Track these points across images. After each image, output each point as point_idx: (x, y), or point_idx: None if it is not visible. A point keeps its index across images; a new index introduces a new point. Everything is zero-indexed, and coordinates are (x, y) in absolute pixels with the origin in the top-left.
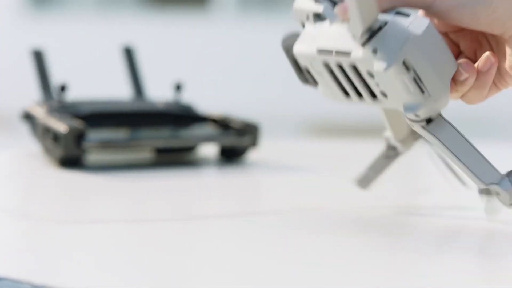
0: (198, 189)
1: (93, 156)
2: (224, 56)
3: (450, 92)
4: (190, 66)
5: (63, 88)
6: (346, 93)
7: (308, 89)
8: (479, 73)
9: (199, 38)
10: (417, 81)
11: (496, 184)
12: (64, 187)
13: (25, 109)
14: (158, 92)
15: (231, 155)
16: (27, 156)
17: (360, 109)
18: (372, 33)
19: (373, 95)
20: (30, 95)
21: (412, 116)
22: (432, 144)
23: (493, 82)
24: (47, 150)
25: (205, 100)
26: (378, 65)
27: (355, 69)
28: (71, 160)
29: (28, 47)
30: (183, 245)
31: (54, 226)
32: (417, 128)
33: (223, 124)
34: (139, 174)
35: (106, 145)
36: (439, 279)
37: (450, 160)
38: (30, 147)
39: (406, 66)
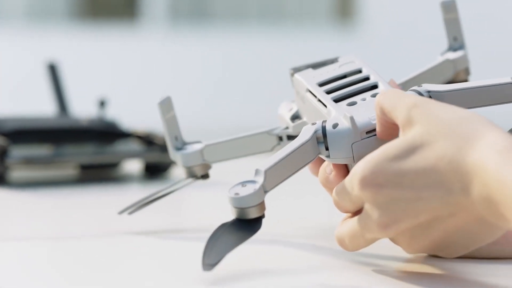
0: (123, 205)
1: (16, 173)
2: (154, 70)
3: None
4: (119, 81)
5: None
6: None
7: (237, 102)
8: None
9: (128, 52)
10: None
11: None
12: None
13: None
14: (88, 108)
15: (155, 171)
16: None
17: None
18: None
19: None
20: None
21: None
22: None
23: None
24: None
25: (135, 115)
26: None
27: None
28: None
29: None
30: (106, 262)
31: None
32: None
33: (147, 140)
34: (63, 191)
35: (29, 161)
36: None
37: None
38: None
39: None
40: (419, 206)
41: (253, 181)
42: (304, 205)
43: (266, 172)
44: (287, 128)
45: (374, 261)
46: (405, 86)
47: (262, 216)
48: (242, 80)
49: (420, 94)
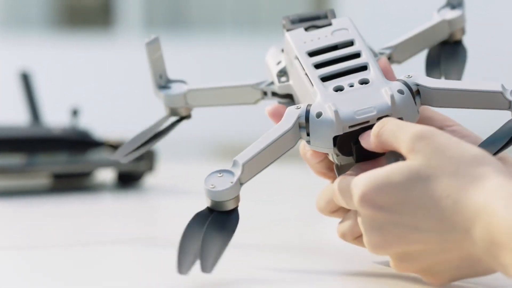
0: (95, 214)
1: None
2: (128, 79)
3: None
4: (94, 89)
5: None
6: None
7: (213, 112)
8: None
9: (103, 60)
10: None
11: None
12: None
13: None
14: (61, 117)
15: (128, 180)
16: None
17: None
18: None
19: None
20: None
21: None
22: None
23: None
24: None
25: (109, 123)
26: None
27: None
28: None
29: None
30: (79, 271)
31: None
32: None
33: None
34: (36, 200)
35: (2, 170)
36: None
37: None
38: None
39: None
40: (414, 235)
41: (230, 172)
42: (278, 211)
43: (244, 165)
44: (272, 83)
45: (352, 269)
46: (398, 48)
47: (237, 207)
48: None
49: (407, 85)
